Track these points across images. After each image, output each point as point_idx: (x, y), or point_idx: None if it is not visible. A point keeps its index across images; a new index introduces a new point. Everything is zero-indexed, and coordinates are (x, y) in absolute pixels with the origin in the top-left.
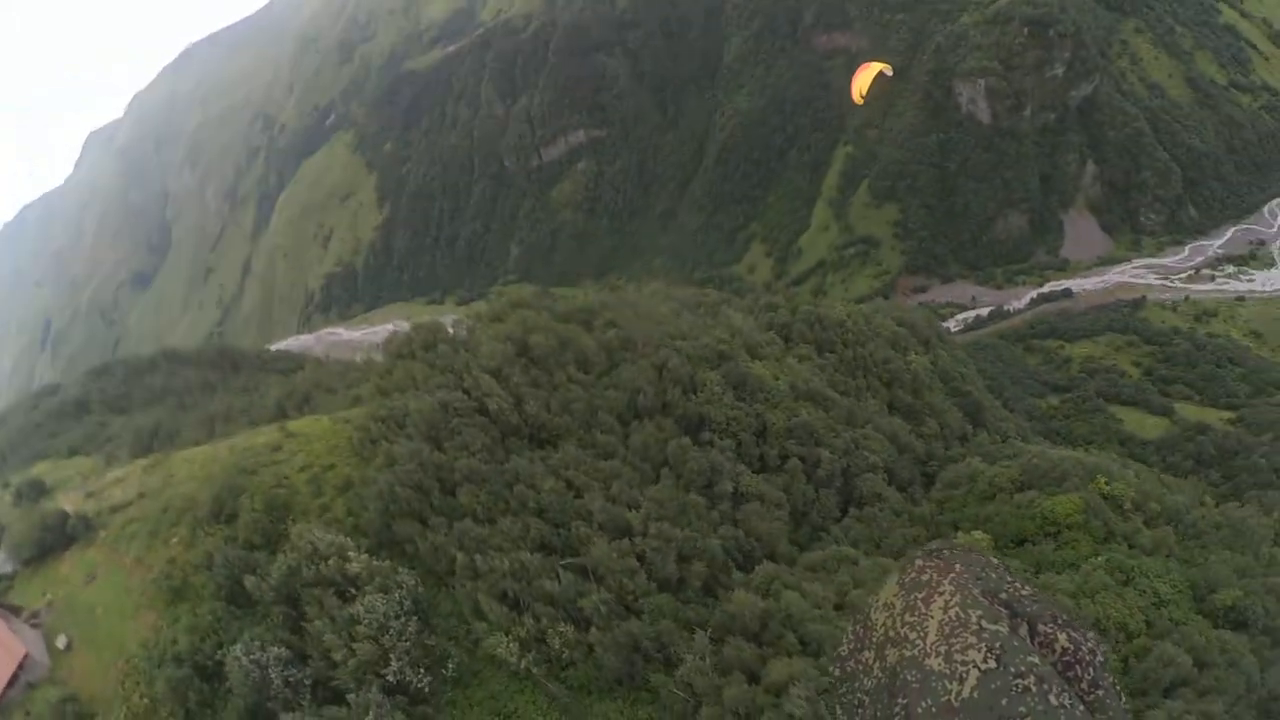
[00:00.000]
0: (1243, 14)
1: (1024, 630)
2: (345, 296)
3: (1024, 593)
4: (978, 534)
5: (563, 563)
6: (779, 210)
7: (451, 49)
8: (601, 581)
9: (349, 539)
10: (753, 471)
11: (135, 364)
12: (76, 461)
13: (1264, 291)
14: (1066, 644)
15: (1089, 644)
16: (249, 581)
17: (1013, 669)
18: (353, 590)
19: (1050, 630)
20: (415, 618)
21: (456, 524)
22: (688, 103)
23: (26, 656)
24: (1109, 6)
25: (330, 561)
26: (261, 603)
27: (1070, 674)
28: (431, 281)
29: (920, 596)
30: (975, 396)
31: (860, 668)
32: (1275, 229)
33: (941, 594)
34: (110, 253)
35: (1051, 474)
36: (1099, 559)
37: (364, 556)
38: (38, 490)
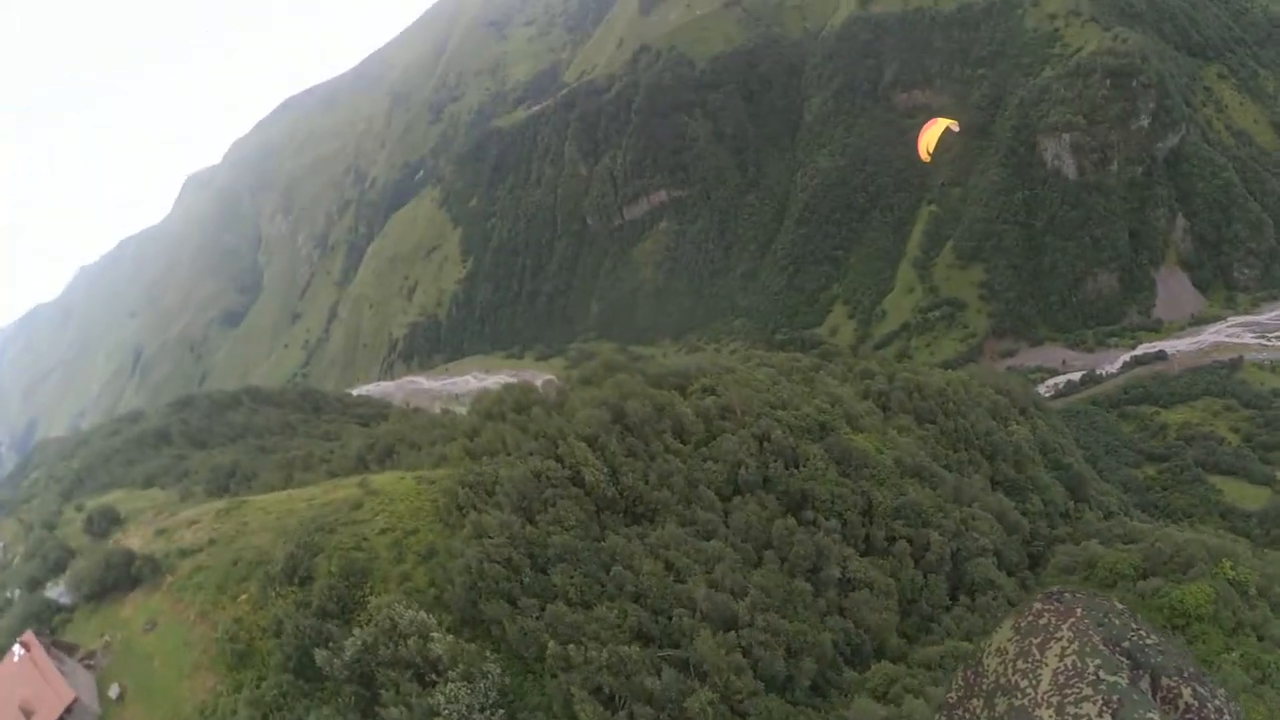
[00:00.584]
0: None
1: (1145, 683)
2: (427, 346)
3: (1149, 642)
4: None
5: (662, 653)
6: (862, 271)
7: (536, 108)
8: (706, 679)
9: (431, 616)
10: (859, 554)
11: (219, 399)
12: (152, 493)
13: None
14: (1191, 700)
15: (1216, 701)
16: (320, 655)
17: None
18: (434, 675)
19: (1175, 684)
20: (501, 710)
21: (549, 606)
22: (768, 163)
23: (75, 701)
24: (1190, 53)
25: (411, 641)
26: (332, 679)
27: None
28: (512, 335)
29: (1035, 642)
30: (1076, 469)
31: (968, 717)
32: None
33: (1059, 640)
34: (202, 289)
35: (1176, 559)
36: (1233, 654)
37: (448, 638)
38: (109, 519)
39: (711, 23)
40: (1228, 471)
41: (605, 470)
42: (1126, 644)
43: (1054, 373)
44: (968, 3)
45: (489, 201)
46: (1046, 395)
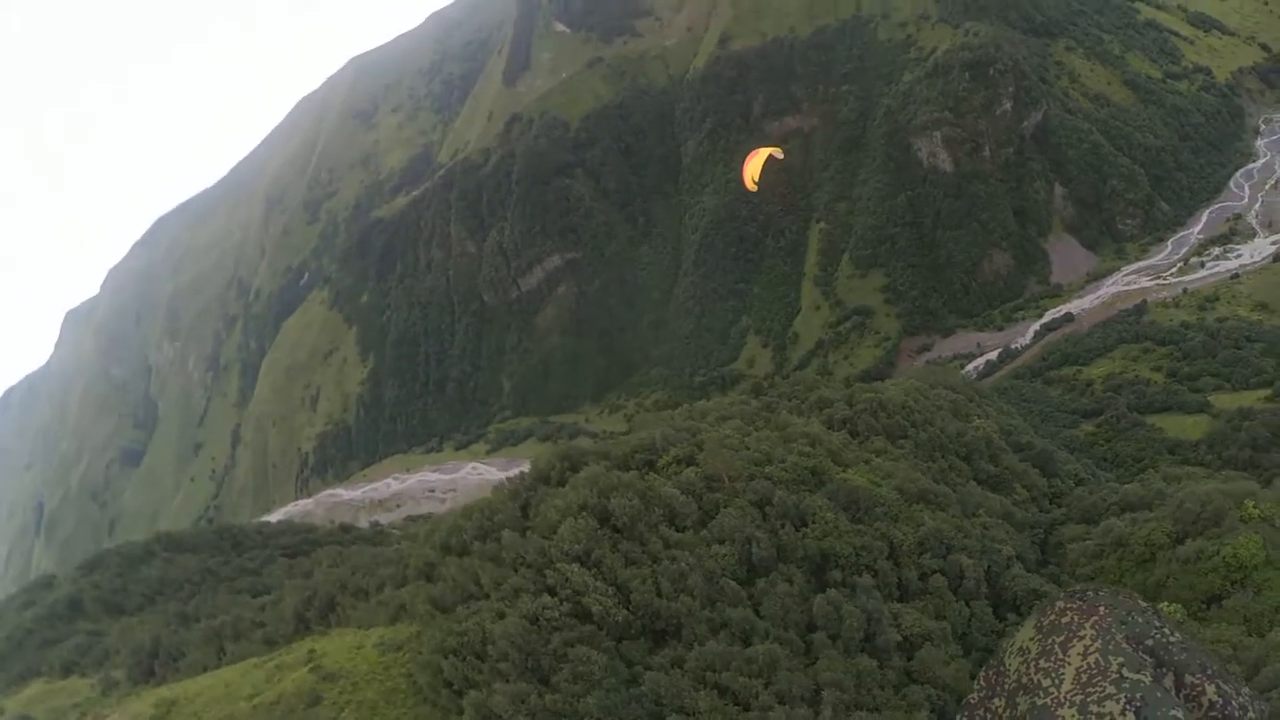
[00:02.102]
0: (1158, 6)
1: (1169, 681)
2: (340, 456)
3: (1172, 640)
4: (1165, 605)
5: None
6: (767, 299)
7: (415, 193)
8: None
9: None
10: (887, 598)
11: (130, 553)
12: (72, 684)
13: (1255, 262)
14: (1215, 697)
15: (1240, 699)
16: None
17: None
18: None
19: (1198, 682)
20: None
21: None
22: (656, 211)
23: None
24: (1036, 34)
25: None
26: None
27: None
28: (426, 429)
29: (1058, 641)
30: (1039, 446)
31: (990, 716)
32: (1246, 199)
33: (1081, 639)
34: (97, 431)
35: (1204, 514)
36: None
37: None
38: None
39: (578, 83)
40: (1162, 409)
41: (610, 591)
42: (1150, 642)
43: (972, 357)
44: (821, 26)
45: (380, 295)
46: (969, 377)
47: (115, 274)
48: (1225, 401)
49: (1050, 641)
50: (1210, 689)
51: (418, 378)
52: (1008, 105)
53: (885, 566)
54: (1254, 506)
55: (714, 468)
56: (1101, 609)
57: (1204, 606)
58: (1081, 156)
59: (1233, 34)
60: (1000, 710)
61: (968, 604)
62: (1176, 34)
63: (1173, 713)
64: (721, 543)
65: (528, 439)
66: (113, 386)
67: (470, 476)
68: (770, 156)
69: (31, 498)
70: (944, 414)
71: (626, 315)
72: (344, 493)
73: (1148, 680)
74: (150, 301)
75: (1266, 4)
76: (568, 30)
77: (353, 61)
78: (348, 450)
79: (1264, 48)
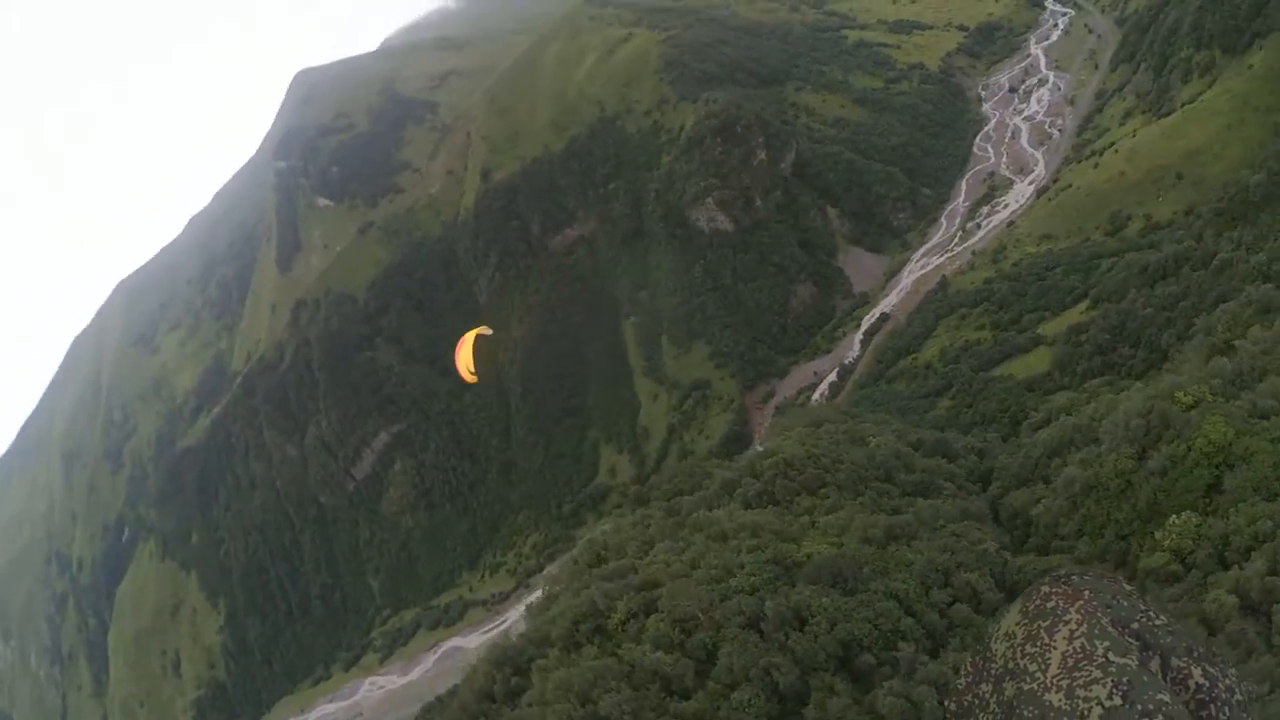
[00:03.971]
0: (862, 27)
1: (1155, 664)
2: (225, 718)
3: (1158, 623)
4: (1176, 518)
5: None
6: (604, 407)
7: (217, 410)
8: None
9: None
10: (929, 654)
11: None
12: None
13: (1023, 205)
14: (1201, 680)
15: (1226, 680)
16: None
17: (1139, 706)
18: None
19: (1184, 665)
20: None
21: None
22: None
23: None
24: (765, 84)
25: None
26: None
27: (1204, 714)
28: (306, 659)
29: (1044, 625)
30: (930, 438)
31: (976, 702)
32: (993, 157)
33: (1066, 623)
34: None
35: (1151, 422)
36: None
37: None
38: None
39: (354, 253)
40: (1002, 359)
41: None
42: (1135, 625)
43: (814, 386)
44: (574, 136)
45: (210, 530)
46: (820, 404)
47: None
48: (1053, 328)
49: (1036, 626)
50: (1196, 671)
51: (278, 607)
52: (762, 155)
53: (908, 625)
54: (1183, 394)
55: (686, 608)
56: (1086, 593)
57: (1208, 502)
58: (841, 177)
59: (931, 27)
60: (987, 696)
61: (994, 616)
62: (885, 44)
63: (1159, 695)
64: (735, 686)
65: (417, 631)
66: None
67: (371, 693)
68: (478, 337)
69: None
70: (841, 446)
71: (472, 470)
72: None
73: (1134, 664)
74: None
75: None
76: (331, 203)
77: (120, 286)
78: (230, 710)
79: (961, 28)
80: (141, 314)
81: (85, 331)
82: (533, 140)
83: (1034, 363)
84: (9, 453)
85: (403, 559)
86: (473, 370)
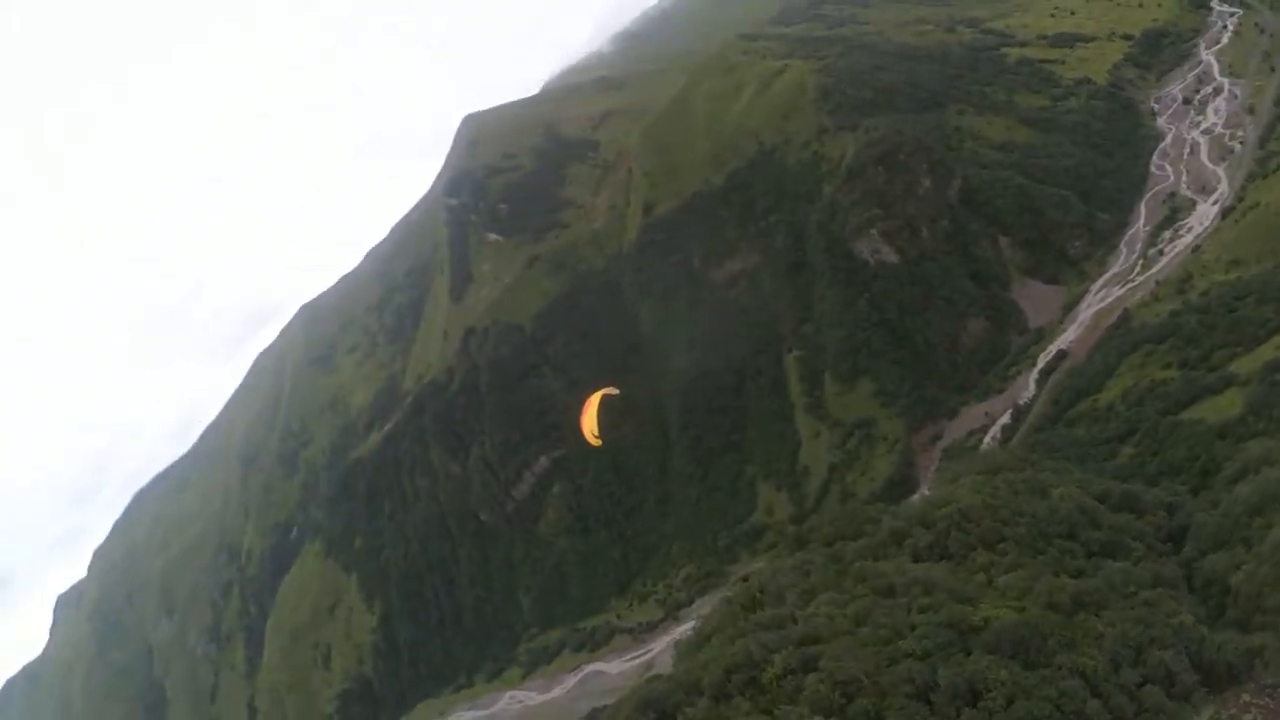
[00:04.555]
0: (1021, 44)
1: None
2: (366, 712)
3: None
4: None
5: None
6: (765, 442)
7: (388, 427)
8: None
9: None
10: None
11: None
12: None
13: (1207, 228)
14: None
15: None
16: None
17: None
18: None
19: None
20: None
21: None
22: (630, 387)
23: None
24: (926, 109)
25: None
26: None
27: None
28: (451, 666)
29: None
30: (1117, 489)
31: None
32: (1171, 176)
33: None
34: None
35: None
36: None
37: None
38: None
39: (522, 284)
40: (1190, 401)
41: None
42: None
43: (986, 429)
44: (732, 169)
45: (374, 536)
46: (991, 449)
47: (100, 555)
48: (1247, 365)
49: None
50: None
51: (430, 614)
52: (927, 183)
53: (1094, 708)
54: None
55: (849, 669)
56: None
57: None
58: (1011, 203)
59: (1094, 39)
60: None
61: (1189, 701)
62: (1048, 60)
63: None
64: None
65: (561, 652)
66: (114, 672)
67: (510, 706)
68: (604, 398)
69: None
70: (1021, 497)
71: (629, 499)
72: None
73: None
74: (141, 580)
75: None
76: (500, 238)
77: (303, 309)
78: (373, 705)
79: (1126, 38)
80: (321, 336)
81: (267, 350)
82: (692, 175)
83: (1226, 405)
84: (187, 455)
85: (554, 579)
86: (597, 434)
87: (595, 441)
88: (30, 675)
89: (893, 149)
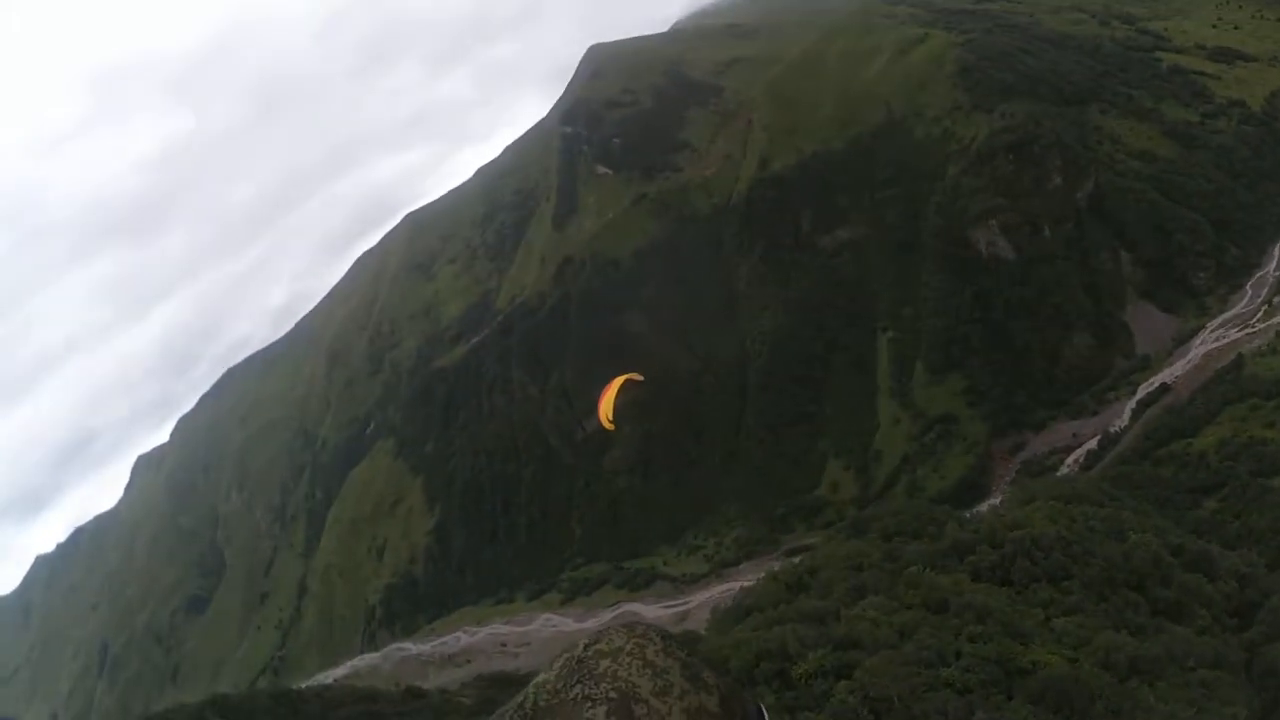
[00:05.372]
0: (1178, 50)
1: None
2: (408, 609)
3: None
4: None
5: None
6: (841, 419)
7: (475, 340)
8: None
9: None
10: None
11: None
12: None
13: None
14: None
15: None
16: None
17: None
18: None
19: None
20: None
21: None
22: (715, 340)
23: None
24: (1068, 103)
25: None
26: None
27: None
28: (496, 579)
29: None
30: (1193, 547)
31: None
32: None
33: None
34: (164, 578)
35: None
36: None
37: None
38: None
39: (625, 221)
40: None
41: None
42: None
43: (1069, 449)
44: (856, 135)
45: (445, 444)
46: (1071, 472)
47: (184, 424)
48: None
49: None
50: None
51: (485, 527)
52: (1058, 180)
53: None
54: None
55: (884, 687)
56: None
57: None
58: (1141, 218)
59: (1255, 59)
60: None
61: None
62: (1202, 73)
63: None
64: None
65: (602, 586)
66: (180, 535)
67: (544, 629)
68: (628, 382)
69: (96, 639)
70: (1097, 536)
71: (695, 450)
72: (412, 647)
73: None
74: (218, 452)
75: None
76: (610, 172)
77: (408, 217)
78: (415, 603)
79: None
80: (423, 246)
81: (369, 252)
82: (813, 134)
83: None
84: (280, 341)
85: (609, 515)
86: (611, 419)
87: (609, 426)
88: (100, 526)
89: (1027, 138)
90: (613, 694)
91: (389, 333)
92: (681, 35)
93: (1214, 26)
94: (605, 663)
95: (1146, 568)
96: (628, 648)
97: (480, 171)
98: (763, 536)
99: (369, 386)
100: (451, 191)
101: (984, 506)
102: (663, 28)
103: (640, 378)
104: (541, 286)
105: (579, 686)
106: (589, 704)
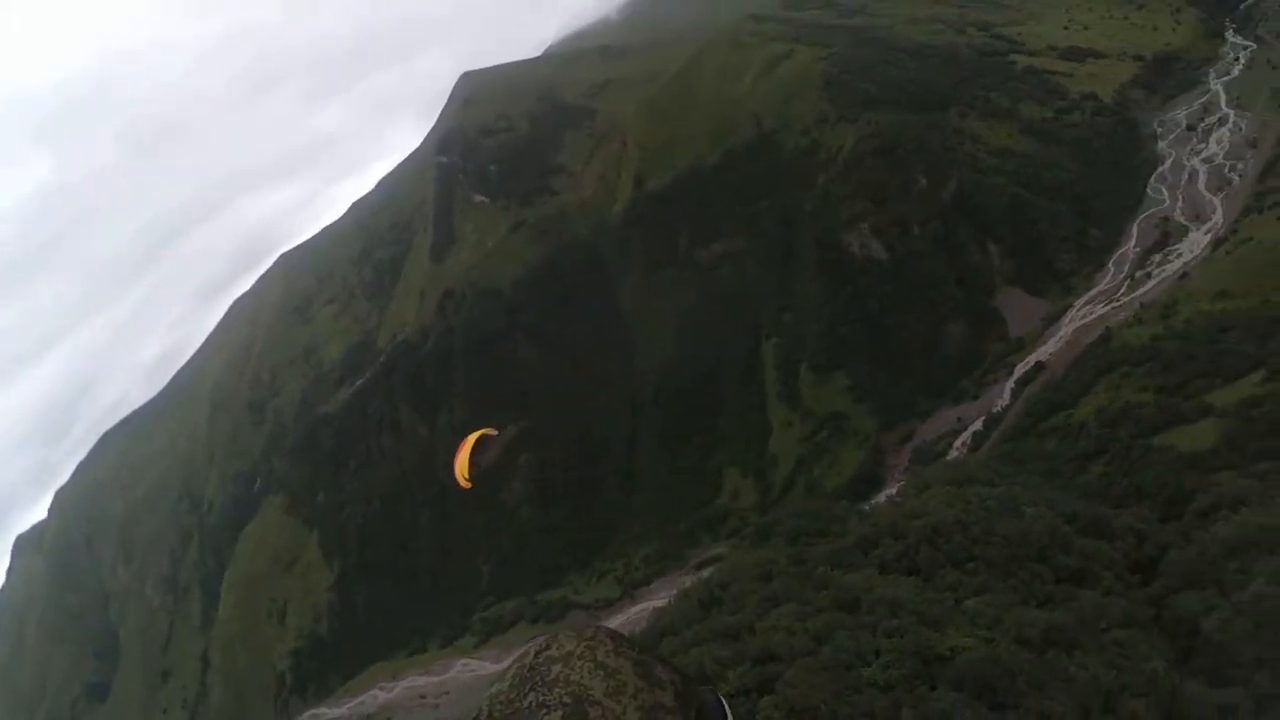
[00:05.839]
0: (1031, 53)
1: None
2: (319, 671)
3: None
4: None
5: None
6: (735, 428)
7: (359, 383)
8: None
9: None
10: None
11: None
12: None
13: (1197, 255)
14: None
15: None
16: None
17: None
18: None
19: None
20: None
21: None
22: (604, 362)
23: None
24: (929, 109)
25: None
26: None
27: None
28: (406, 629)
29: None
30: (1087, 511)
31: None
32: (1167, 200)
33: None
34: (57, 665)
35: None
36: None
37: None
38: None
39: (503, 249)
40: (1164, 427)
41: None
42: None
43: (957, 434)
44: (729, 149)
45: (336, 493)
46: (960, 455)
47: (62, 497)
48: (1224, 398)
49: None
50: None
51: (388, 576)
52: (923, 182)
53: None
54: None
55: (807, 697)
56: None
57: None
58: (1004, 211)
59: (1105, 55)
60: None
61: None
62: (1056, 72)
63: None
64: None
65: (516, 623)
66: (70, 616)
67: (462, 674)
68: (482, 438)
69: None
70: (994, 515)
71: (593, 473)
72: (328, 711)
73: None
74: (100, 524)
75: (1127, 18)
76: (487, 200)
77: (283, 258)
78: (326, 664)
79: (1137, 58)
80: (299, 287)
81: (244, 297)
82: (687, 151)
83: (1199, 436)
84: (158, 396)
85: (514, 550)
86: (468, 477)
87: (465, 484)
88: None
89: (891, 144)
90: (566, 699)
91: (269, 380)
92: (555, 59)
93: (1065, 28)
94: (557, 668)
95: (1045, 539)
96: (578, 651)
97: (355, 206)
98: (671, 552)
99: (253, 438)
100: (326, 229)
101: (881, 498)
102: (536, 51)
103: (495, 432)
104: (423, 322)
105: (532, 694)
106: (543, 710)
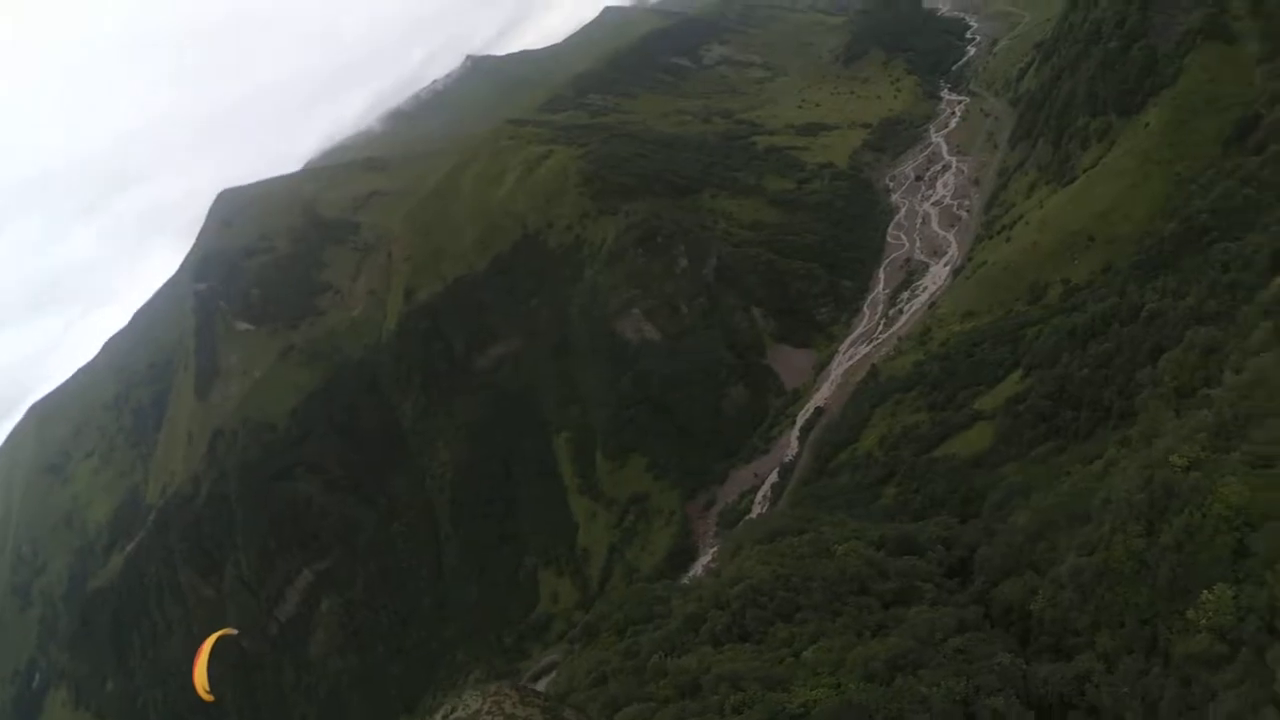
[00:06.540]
0: (770, 132)
1: None
2: None
3: None
4: (1209, 594)
5: None
6: (540, 530)
7: (130, 546)
8: None
9: None
10: None
11: None
12: None
13: (941, 285)
14: None
15: None
16: None
17: None
18: None
19: None
20: None
21: None
22: (393, 485)
23: None
24: (682, 194)
25: None
26: None
27: None
28: None
29: None
30: (893, 533)
31: None
32: (905, 245)
33: None
34: None
35: (1171, 490)
36: None
37: None
38: None
39: (273, 378)
40: (942, 439)
41: None
42: None
43: (756, 489)
44: (496, 253)
45: (126, 677)
46: (763, 510)
47: None
48: (991, 402)
49: None
50: None
51: None
52: (684, 263)
53: None
54: (1178, 457)
55: None
56: None
57: (1237, 571)
58: (762, 277)
59: (836, 127)
60: None
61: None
62: (794, 147)
63: None
64: None
65: None
66: None
67: None
68: (221, 639)
69: None
70: (807, 561)
71: (404, 607)
72: None
73: None
74: None
75: (853, 93)
76: (252, 327)
77: (33, 410)
78: None
79: (864, 125)
80: (53, 440)
81: None
82: (456, 259)
83: (976, 439)
84: None
85: (332, 706)
86: (209, 689)
87: (207, 697)
88: None
89: (651, 232)
90: None
91: (31, 556)
92: (316, 172)
93: (800, 107)
94: None
95: (862, 570)
96: (485, 707)
97: (109, 345)
98: (502, 670)
99: (23, 627)
100: (80, 371)
101: (698, 568)
102: (296, 165)
103: (235, 631)
104: (193, 468)
105: None
106: None
